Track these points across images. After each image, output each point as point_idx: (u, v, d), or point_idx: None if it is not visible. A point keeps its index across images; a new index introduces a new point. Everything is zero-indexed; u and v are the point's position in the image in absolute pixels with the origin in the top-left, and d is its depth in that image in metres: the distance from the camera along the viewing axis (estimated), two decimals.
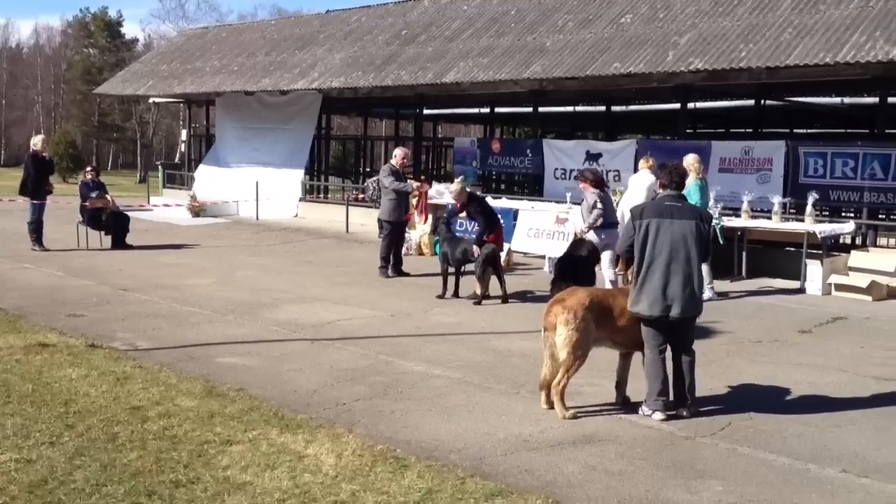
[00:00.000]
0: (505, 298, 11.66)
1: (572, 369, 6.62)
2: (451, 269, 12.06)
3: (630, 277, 7.06)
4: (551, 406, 6.72)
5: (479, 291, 11.77)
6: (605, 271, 11.53)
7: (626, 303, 6.79)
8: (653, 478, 5.50)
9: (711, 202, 13.79)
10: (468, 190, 12.91)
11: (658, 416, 6.63)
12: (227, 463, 5.54)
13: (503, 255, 15.00)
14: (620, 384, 7.11)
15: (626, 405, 6.97)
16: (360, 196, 20.45)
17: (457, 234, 13.09)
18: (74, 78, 68.87)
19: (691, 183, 12.12)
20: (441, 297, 11.88)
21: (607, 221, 11.23)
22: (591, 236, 11.22)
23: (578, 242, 11.26)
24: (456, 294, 11.99)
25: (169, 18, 73.73)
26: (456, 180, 13.53)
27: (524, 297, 12.20)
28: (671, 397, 6.70)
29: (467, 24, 21.30)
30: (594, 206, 11.14)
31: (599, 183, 11.41)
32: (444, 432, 6.28)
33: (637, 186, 13.16)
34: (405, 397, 7.14)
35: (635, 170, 16.59)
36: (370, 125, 41.62)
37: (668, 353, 6.77)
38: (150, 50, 49.06)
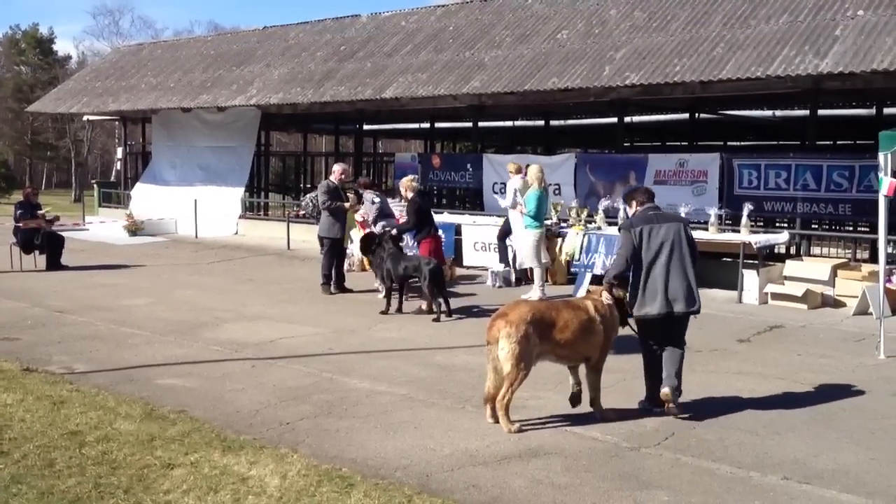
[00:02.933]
0: (449, 312, 11.66)
1: (516, 383, 6.63)
2: (395, 286, 12.04)
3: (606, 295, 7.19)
4: (497, 420, 6.72)
5: (424, 307, 11.80)
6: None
7: (570, 316, 6.87)
8: (598, 490, 5.53)
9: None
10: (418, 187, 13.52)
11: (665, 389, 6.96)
12: (169, 487, 5.43)
13: (445, 268, 15.06)
14: (578, 395, 7.13)
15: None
16: (301, 213, 20.22)
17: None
18: (5, 96, 67.29)
19: (530, 193, 12.63)
20: (384, 312, 11.86)
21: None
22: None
23: None
24: (400, 310, 11.97)
25: (103, 35, 72.73)
26: (409, 176, 13.71)
27: (468, 311, 12.21)
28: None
29: (406, 39, 21.36)
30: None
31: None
32: (390, 449, 6.24)
33: (509, 190, 14.36)
34: (350, 415, 7.09)
35: (575, 183, 16.86)
36: (310, 141, 41.39)
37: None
38: (84, 67, 48.21)
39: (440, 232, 13.77)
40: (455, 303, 12.13)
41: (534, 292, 12.90)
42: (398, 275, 11.87)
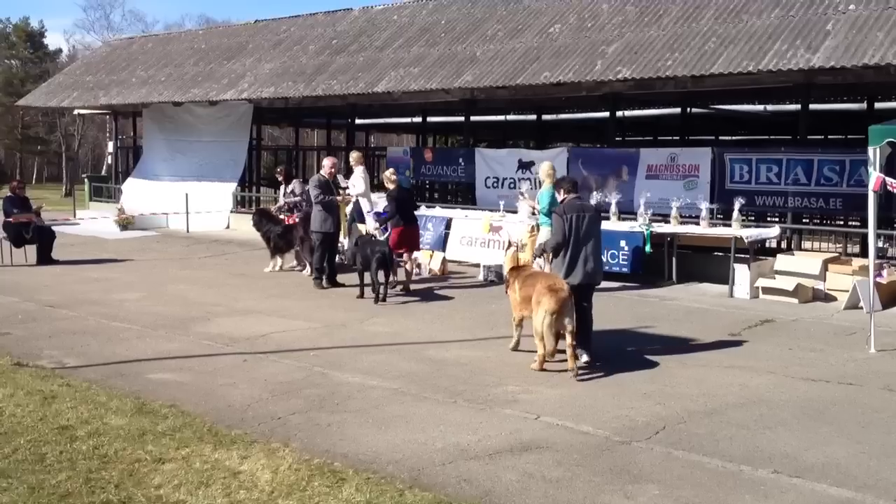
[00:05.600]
0: (384, 297, 12.32)
1: None
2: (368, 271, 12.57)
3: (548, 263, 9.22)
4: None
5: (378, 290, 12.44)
6: None
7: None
8: (590, 484, 5.54)
9: (641, 208, 14.07)
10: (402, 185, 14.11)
11: (584, 357, 8.51)
12: (160, 482, 5.42)
13: (437, 262, 15.10)
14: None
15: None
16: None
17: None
18: None
19: (544, 190, 12.52)
20: (360, 297, 12.53)
21: None
22: None
23: None
24: (383, 298, 12.35)
25: (94, 29, 71.95)
26: (390, 170, 14.57)
27: (457, 305, 12.22)
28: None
29: (398, 33, 21.32)
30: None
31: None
32: (381, 444, 6.24)
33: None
34: (342, 409, 7.08)
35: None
36: (302, 135, 41.33)
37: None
38: (75, 61, 47.97)
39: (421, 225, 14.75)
40: (447, 296, 12.10)
41: None
42: (366, 259, 12.48)
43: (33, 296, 12.55)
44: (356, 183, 14.82)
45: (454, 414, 7.00)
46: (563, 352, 8.31)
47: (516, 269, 9.32)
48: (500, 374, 8.30)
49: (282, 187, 16.23)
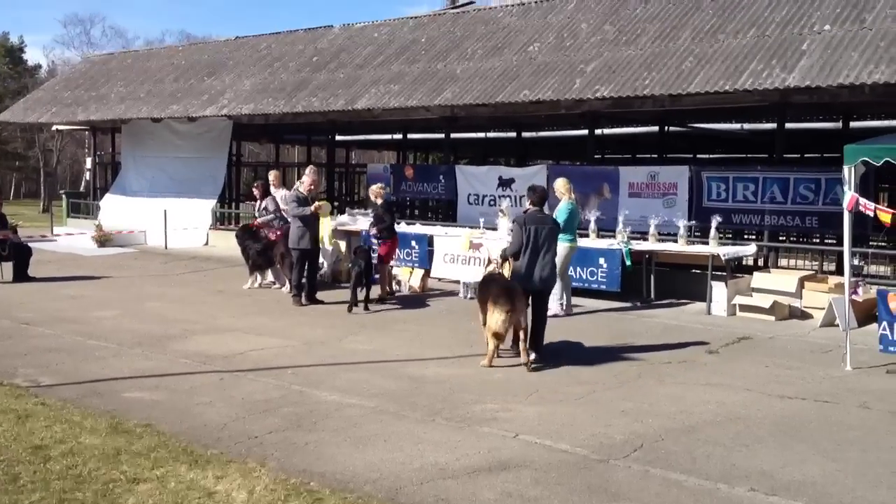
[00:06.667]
0: (366, 305, 13.12)
1: None
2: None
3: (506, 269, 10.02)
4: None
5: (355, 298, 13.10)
6: None
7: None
8: (568, 502, 5.53)
9: (620, 226, 14.10)
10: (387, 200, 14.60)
11: (533, 355, 9.36)
12: (135, 502, 5.38)
13: (417, 279, 15.10)
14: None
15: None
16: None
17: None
18: None
19: (562, 205, 12.51)
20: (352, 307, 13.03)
21: None
22: None
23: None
24: (366, 306, 13.15)
25: (73, 45, 71.61)
26: (377, 185, 14.92)
27: (437, 322, 12.21)
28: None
29: (378, 51, 21.38)
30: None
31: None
32: (359, 463, 6.21)
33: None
34: (319, 428, 7.05)
35: (549, 193, 16.82)
36: (282, 152, 41.25)
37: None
38: (54, 77, 47.79)
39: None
40: (427, 314, 12.11)
41: (553, 304, 12.04)
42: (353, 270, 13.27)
43: (9, 313, 12.43)
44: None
45: (432, 432, 6.98)
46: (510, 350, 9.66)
47: (485, 278, 10.21)
48: (479, 391, 8.30)
49: (257, 202, 16.26)
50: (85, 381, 8.51)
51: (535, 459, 6.34)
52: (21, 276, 16.01)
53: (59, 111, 27.61)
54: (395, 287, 14.78)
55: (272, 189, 15.97)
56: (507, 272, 9.97)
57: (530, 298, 9.70)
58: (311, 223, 13.55)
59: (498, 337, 9.16)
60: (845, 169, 9.53)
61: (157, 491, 5.54)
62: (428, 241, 16.21)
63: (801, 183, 14.26)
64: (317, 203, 13.68)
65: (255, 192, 16.56)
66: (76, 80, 30.39)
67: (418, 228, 17.19)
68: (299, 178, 15.61)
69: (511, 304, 9.00)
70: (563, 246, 12.68)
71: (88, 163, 33.15)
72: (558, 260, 12.77)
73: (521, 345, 9.23)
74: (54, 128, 35.32)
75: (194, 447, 6.43)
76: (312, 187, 14.00)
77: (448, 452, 6.46)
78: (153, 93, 25.46)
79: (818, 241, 18.46)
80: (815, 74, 13.33)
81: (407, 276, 15.33)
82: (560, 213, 12.54)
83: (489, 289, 9.47)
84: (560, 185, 12.99)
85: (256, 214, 15.86)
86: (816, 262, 15.45)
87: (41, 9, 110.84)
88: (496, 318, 9.04)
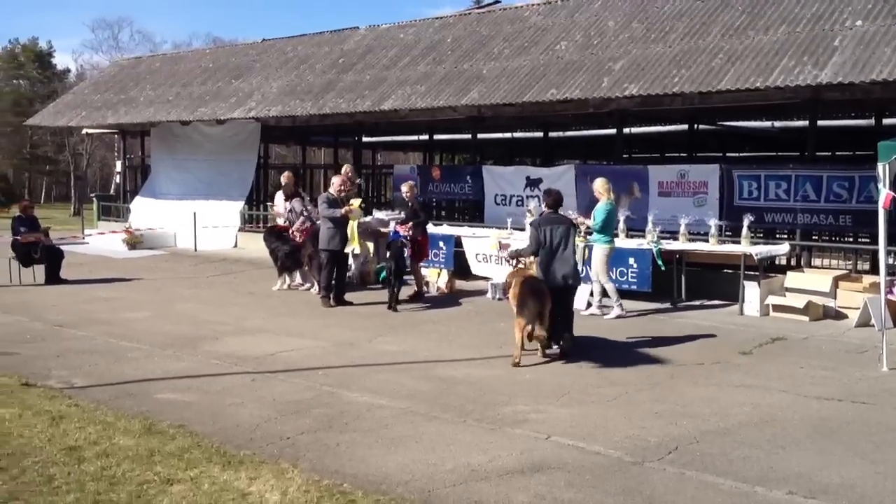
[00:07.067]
0: (394, 306, 13.24)
1: None
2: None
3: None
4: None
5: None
6: None
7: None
8: None
9: (649, 225, 13.98)
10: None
11: (555, 348, 9.97)
12: (168, 503, 5.38)
13: (444, 280, 15.09)
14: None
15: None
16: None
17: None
18: (4, 110, 67.30)
19: (600, 205, 12.48)
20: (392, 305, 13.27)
21: None
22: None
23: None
24: (395, 303, 13.33)
25: (102, 49, 72.43)
26: (409, 182, 15.05)
27: (466, 323, 12.17)
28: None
29: (404, 51, 21.37)
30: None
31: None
32: (391, 464, 6.19)
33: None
34: (351, 429, 7.04)
35: (577, 193, 16.77)
36: (309, 153, 41.42)
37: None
38: (83, 81, 48.21)
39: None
40: (456, 315, 12.11)
41: (613, 311, 12.65)
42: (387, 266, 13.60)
43: (41, 315, 12.55)
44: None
45: (464, 434, 6.95)
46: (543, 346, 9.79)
47: (514, 272, 10.51)
48: (509, 392, 8.26)
49: (278, 198, 16.36)
50: (118, 383, 8.56)
51: (569, 461, 6.29)
52: (53, 278, 16.17)
53: (89, 115, 27.84)
54: (423, 288, 14.76)
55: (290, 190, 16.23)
56: (534, 270, 10.26)
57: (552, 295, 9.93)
58: (341, 224, 13.60)
59: (525, 329, 9.56)
60: (879, 166, 9.37)
61: (191, 492, 5.54)
62: (455, 241, 16.20)
63: (835, 181, 14.05)
64: (347, 206, 13.73)
65: (284, 179, 16.56)
66: (105, 83, 30.64)
67: (445, 229, 17.17)
68: (327, 179, 15.81)
69: (536, 300, 9.47)
70: (599, 247, 12.71)
71: (118, 166, 33.46)
72: (596, 261, 12.80)
73: (540, 341, 9.70)
74: (84, 131, 35.68)
75: (227, 448, 6.44)
76: (342, 188, 14.04)
77: (480, 454, 6.42)
78: (182, 95, 25.61)
79: (852, 239, 18.25)
80: (847, 70, 13.15)
81: (435, 277, 15.31)
82: (598, 214, 12.65)
83: (517, 285, 9.81)
84: (599, 184, 12.94)
85: (275, 215, 16.05)
86: (850, 262, 15.24)
87: (70, 13, 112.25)
88: (523, 313, 9.47)
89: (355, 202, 14.18)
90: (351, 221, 13.80)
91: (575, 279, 10.24)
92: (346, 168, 16.62)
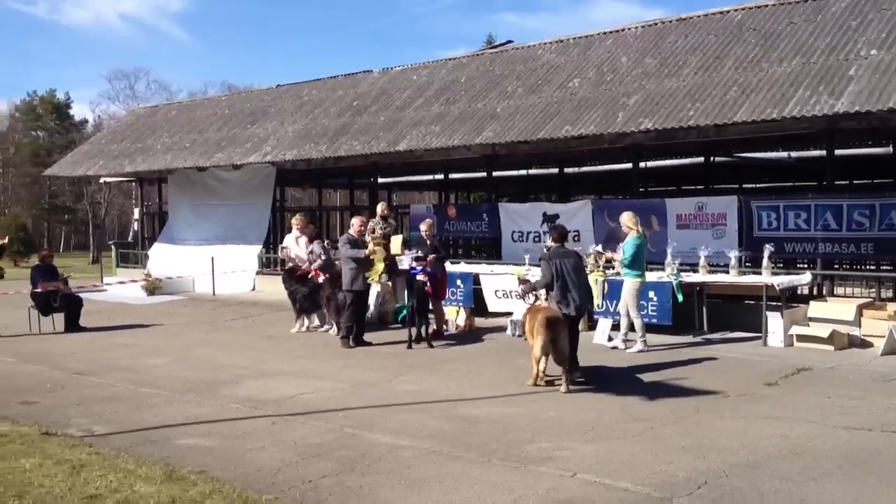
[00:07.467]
0: (429, 342, 13.51)
1: None
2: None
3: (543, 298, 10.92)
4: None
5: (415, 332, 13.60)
6: None
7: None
8: None
9: (668, 258, 13.86)
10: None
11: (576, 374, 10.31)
12: None
13: (463, 318, 15.02)
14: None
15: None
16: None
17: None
18: (23, 161, 68.16)
19: (629, 239, 12.43)
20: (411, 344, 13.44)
21: None
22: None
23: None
24: (419, 339, 13.58)
25: (119, 99, 73.10)
26: (427, 220, 15.48)
27: (486, 361, 12.07)
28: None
29: (418, 93, 21.49)
30: None
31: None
32: None
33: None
34: (373, 471, 6.94)
35: (594, 228, 16.72)
36: (325, 196, 41.59)
37: None
38: (100, 130, 48.79)
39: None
40: (475, 352, 12.00)
41: (636, 345, 12.60)
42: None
43: (61, 363, 12.54)
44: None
45: (488, 473, 6.84)
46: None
47: (529, 308, 10.80)
48: (532, 430, 8.15)
49: (292, 237, 16.48)
50: (138, 429, 8.51)
51: (596, 499, 6.17)
52: (72, 326, 16.20)
53: (106, 164, 28.09)
54: (443, 326, 14.70)
55: (295, 234, 16.40)
56: (547, 302, 10.62)
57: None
58: (363, 266, 13.61)
59: (540, 360, 10.05)
60: None
61: None
62: (473, 279, 16.15)
63: (855, 209, 13.93)
64: (370, 247, 13.75)
65: (296, 224, 16.63)
66: (122, 132, 30.96)
67: (463, 267, 17.14)
68: (344, 221, 15.96)
69: (552, 331, 9.83)
70: (630, 281, 12.66)
71: (136, 213, 33.72)
72: (626, 295, 12.73)
73: (563, 372, 10.00)
74: (102, 180, 35.95)
75: (249, 493, 6.35)
76: (362, 229, 14.08)
77: (505, 493, 6.30)
78: (198, 142, 25.82)
79: (874, 267, 18.07)
80: (864, 99, 13.10)
81: (454, 315, 15.25)
82: (626, 248, 12.69)
83: (535, 318, 10.19)
84: (626, 218, 12.96)
85: (284, 256, 16.25)
86: (873, 290, 15.07)
87: (87, 65, 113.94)
88: (538, 343, 9.90)
89: (396, 239, 14.42)
90: (377, 263, 13.76)
91: (585, 308, 10.86)
92: (380, 206, 17.03)
